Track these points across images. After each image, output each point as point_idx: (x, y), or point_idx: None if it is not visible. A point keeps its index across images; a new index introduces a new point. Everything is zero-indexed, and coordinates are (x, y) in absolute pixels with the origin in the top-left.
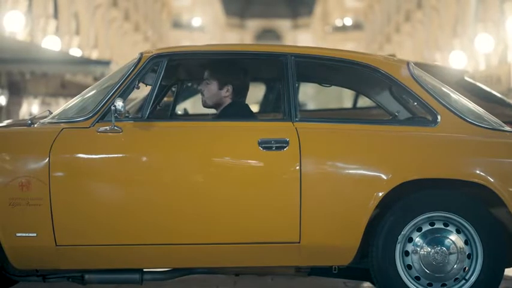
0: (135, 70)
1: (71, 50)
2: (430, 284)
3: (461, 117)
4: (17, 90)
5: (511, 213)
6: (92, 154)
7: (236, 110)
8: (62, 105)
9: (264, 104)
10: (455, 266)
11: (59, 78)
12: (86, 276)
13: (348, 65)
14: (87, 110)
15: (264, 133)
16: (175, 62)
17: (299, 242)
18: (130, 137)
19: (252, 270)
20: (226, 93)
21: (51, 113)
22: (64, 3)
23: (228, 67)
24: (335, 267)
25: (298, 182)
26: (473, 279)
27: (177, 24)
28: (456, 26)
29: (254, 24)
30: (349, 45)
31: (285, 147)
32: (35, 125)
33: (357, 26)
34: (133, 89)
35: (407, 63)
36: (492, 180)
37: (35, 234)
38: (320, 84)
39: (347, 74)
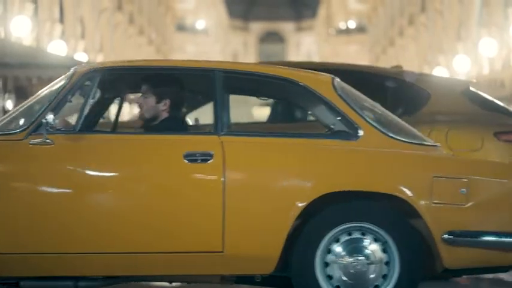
0: (68, 85)
1: (76, 54)
2: None
3: (382, 132)
4: (23, 95)
5: (427, 225)
6: (24, 166)
7: (171, 124)
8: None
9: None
10: (373, 275)
11: None
12: (21, 283)
13: (274, 81)
14: (22, 122)
15: (190, 146)
16: (111, 77)
17: (222, 252)
18: (62, 149)
19: (182, 278)
20: (164, 107)
21: None
22: (69, 7)
23: (166, 82)
24: (258, 276)
25: (222, 194)
26: (391, 285)
27: (181, 27)
28: (460, 29)
29: (258, 27)
30: (353, 47)
31: (209, 159)
32: None
33: (360, 29)
34: (66, 102)
35: (333, 79)
36: (408, 192)
37: None
38: (257, 97)
39: (276, 89)
